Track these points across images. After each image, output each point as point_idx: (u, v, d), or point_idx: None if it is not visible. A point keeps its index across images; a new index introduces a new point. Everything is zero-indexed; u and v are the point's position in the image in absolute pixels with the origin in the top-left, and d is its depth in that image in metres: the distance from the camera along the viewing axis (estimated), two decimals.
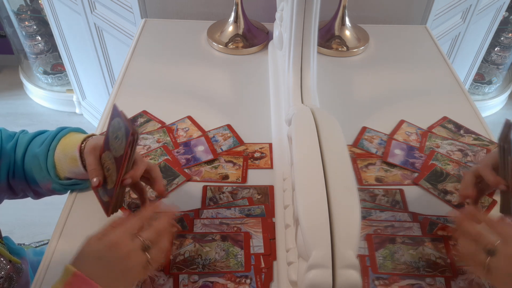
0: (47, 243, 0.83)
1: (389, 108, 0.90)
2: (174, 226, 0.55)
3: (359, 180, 0.73)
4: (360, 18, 1.17)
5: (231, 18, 1.08)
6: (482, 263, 0.49)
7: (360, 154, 0.78)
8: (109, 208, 0.58)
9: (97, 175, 0.56)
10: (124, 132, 0.52)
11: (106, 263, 0.47)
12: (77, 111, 2.14)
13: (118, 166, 0.54)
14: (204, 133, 0.82)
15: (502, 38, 1.96)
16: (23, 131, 0.69)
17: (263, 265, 0.60)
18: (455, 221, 0.56)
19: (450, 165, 0.76)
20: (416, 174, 0.75)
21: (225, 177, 0.73)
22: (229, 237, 0.63)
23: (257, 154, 0.78)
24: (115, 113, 0.54)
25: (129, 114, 0.85)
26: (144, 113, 0.86)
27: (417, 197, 0.71)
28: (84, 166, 0.63)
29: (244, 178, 0.73)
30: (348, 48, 1.06)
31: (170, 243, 0.53)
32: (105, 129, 0.81)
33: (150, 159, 0.76)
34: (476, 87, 2.15)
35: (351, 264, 0.43)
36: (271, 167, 0.75)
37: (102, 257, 0.47)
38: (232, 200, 0.69)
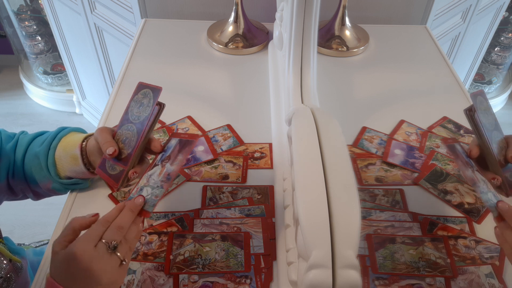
0: (47, 243, 0.83)
1: (389, 108, 0.90)
2: (134, 212, 0.51)
3: (359, 180, 0.73)
4: (360, 18, 1.17)
5: (231, 18, 1.08)
6: None
7: (360, 154, 0.78)
8: (120, 178, 0.57)
9: (112, 145, 0.55)
10: (152, 94, 0.55)
11: (71, 275, 0.46)
12: (77, 111, 2.14)
13: (140, 129, 0.55)
14: (204, 133, 0.82)
15: (502, 38, 1.96)
16: (23, 132, 0.69)
17: (263, 265, 0.60)
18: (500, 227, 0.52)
19: (450, 165, 0.76)
20: (416, 174, 0.75)
21: (225, 177, 0.73)
22: (229, 237, 0.63)
23: (257, 154, 0.78)
24: (141, 87, 0.57)
25: None
26: None
27: (417, 197, 0.71)
28: (85, 164, 0.63)
29: (244, 178, 0.73)
30: (348, 48, 1.06)
31: (138, 231, 0.51)
32: None
33: (150, 158, 0.76)
34: (476, 87, 2.15)
35: (351, 264, 0.43)
36: (271, 167, 0.75)
37: (66, 269, 0.46)
38: (232, 200, 0.69)
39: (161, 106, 0.56)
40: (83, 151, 0.62)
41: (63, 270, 0.46)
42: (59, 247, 0.47)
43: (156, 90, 0.56)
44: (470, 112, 0.59)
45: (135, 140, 0.55)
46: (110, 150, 0.55)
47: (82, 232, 0.49)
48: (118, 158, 0.57)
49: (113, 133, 0.59)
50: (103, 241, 0.47)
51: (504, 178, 0.57)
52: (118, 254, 0.47)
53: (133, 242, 0.50)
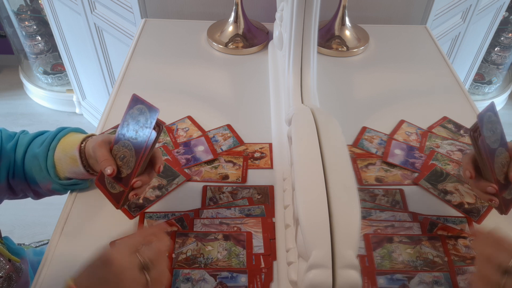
0: (47, 243, 0.83)
1: (389, 108, 0.90)
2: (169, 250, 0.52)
3: (359, 180, 0.74)
4: (360, 18, 1.17)
5: (231, 18, 1.08)
6: (498, 284, 0.46)
7: (360, 154, 0.78)
8: (120, 198, 0.57)
9: (110, 164, 0.55)
10: (149, 114, 0.53)
11: (99, 279, 0.45)
12: (77, 111, 2.14)
13: (138, 150, 0.54)
14: (204, 133, 0.82)
15: (502, 38, 1.96)
16: (23, 131, 0.69)
17: (263, 265, 0.60)
18: (473, 242, 0.54)
19: (450, 165, 0.76)
20: (416, 174, 0.75)
21: (225, 177, 0.73)
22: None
23: (257, 154, 0.78)
24: (137, 102, 0.55)
25: None
26: None
27: (417, 197, 0.71)
28: (84, 166, 0.63)
29: (244, 178, 0.73)
30: (348, 48, 1.06)
31: (169, 269, 0.50)
32: (105, 130, 0.81)
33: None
34: (476, 87, 2.15)
35: (351, 264, 0.43)
36: (271, 167, 0.75)
37: (96, 272, 0.45)
38: (232, 200, 0.69)
39: (160, 128, 0.54)
40: (82, 153, 0.62)
41: (91, 274, 0.45)
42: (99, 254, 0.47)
43: (153, 111, 0.53)
44: (474, 134, 0.56)
45: (134, 161, 0.54)
46: (108, 170, 0.54)
47: None
48: (118, 176, 0.56)
49: (111, 146, 0.58)
50: (139, 256, 0.46)
51: (501, 198, 0.57)
52: (147, 276, 0.46)
53: (164, 273, 0.48)
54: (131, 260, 0.45)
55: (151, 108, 0.54)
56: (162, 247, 0.48)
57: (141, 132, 0.54)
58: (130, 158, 0.55)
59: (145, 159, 0.55)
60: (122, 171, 0.56)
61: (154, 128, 0.53)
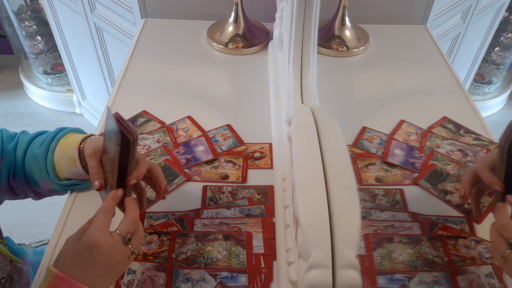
0: (47, 243, 0.83)
1: (389, 108, 0.90)
2: (141, 209, 0.57)
3: (359, 180, 0.74)
4: (360, 18, 1.18)
5: (231, 18, 1.08)
6: (502, 253, 0.50)
7: (360, 154, 0.78)
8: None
9: (98, 178, 0.56)
10: (115, 134, 0.51)
11: (88, 264, 0.47)
12: (77, 111, 2.14)
13: (114, 169, 0.53)
14: (204, 133, 0.82)
15: (502, 38, 1.96)
16: (23, 131, 0.69)
17: (263, 265, 0.60)
18: (496, 208, 0.54)
19: (450, 165, 0.76)
20: (416, 174, 0.75)
21: (225, 177, 0.73)
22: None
23: (257, 154, 0.78)
24: (109, 116, 0.53)
25: (129, 114, 0.85)
26: (144, 113, 0.86)
27: (417, 197, 0.71)
28: (84, 167, 0.63)
29: (244, 178, 0.73)
30: (348, 48, 1.06)
31: (142, 228, 0.55)
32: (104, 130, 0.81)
33: (150, 159, 0.76)
34: (476, 87, 2.15)
35: (351, 264, 0.43)
36: (271, 167, 0.75)
37: (83, 259, 0.47)
38: (232, 200, 0.69)
39: (127, 146, 0.51)
40: (81, 153, 0.62)
41: (76, 261, 0.47)
42: (73, 242, 0.49)
43: (118, 134, 0.50)
44: (509, 148, 0.51)
45: (116, 178, 0.54)
46: (96, 183, 0.56)
47: None
48: (107, 189, 0.56)
49: (101, 154, 0.58)
50: (117, 232, 0.50)
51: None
52: (130, 246, 0.50)
53: (142, 236, 0.54)
54: (114, 238, 0.49)
55: (117, 130, 0.50)
56: (133, 216, 0.52)
57: (114, 150, 0.53)
58: (113, 175, 0.55)
59: (119, 179, 0.54)
60: (110, 186, 0.56)
61: (122, 150, 0.51)
